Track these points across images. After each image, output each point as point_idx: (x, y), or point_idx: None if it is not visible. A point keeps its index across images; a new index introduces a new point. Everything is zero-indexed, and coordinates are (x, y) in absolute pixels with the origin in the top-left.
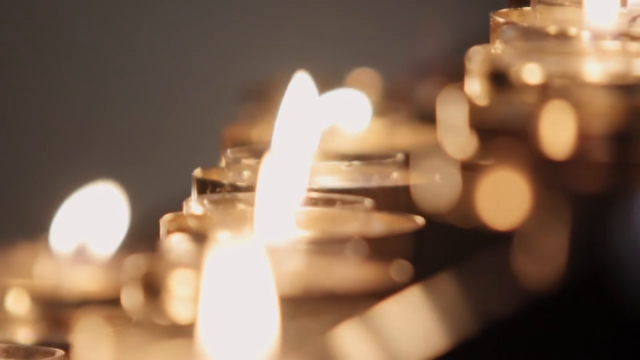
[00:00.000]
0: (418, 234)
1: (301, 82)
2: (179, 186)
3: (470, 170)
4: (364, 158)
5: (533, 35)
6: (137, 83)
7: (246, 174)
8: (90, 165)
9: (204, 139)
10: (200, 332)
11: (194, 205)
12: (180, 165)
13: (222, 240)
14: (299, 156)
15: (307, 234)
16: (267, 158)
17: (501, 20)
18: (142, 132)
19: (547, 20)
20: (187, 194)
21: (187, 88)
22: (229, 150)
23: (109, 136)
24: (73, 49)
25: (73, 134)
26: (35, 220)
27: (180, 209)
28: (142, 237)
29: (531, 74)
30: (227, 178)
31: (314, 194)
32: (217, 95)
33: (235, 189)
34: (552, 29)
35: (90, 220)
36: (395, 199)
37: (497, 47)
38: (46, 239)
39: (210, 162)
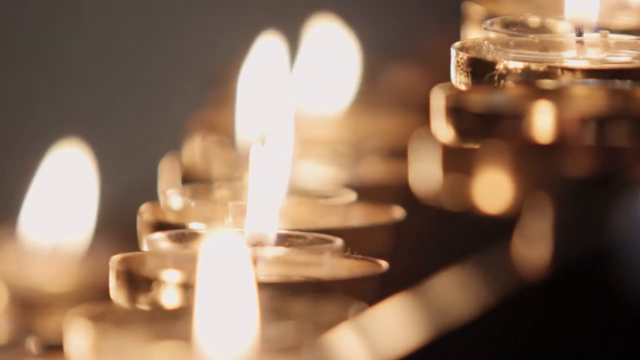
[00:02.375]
0: (399, 225)
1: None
2: (146, 172)
3: (457, 155)
4: (343, 147)
5: (511, 24)
6: (104, 68)
7: (216, 163)
8: (53, 146)
9: (171, 124)
10: (189, 326)
11: (173, 198)
12: (148, 150)
13: (203, 233)
14: (278, 146)
15: (288, 226)
16: (248, 149)
17: (477, 9)
18: (109, 117)
19: (524, 9)
20: (155, 180)
21: (155, 73)
22: (199, 139)
23: (76, 121)
24: (32, 32)
25: (41, 115)
26: None
27: (149, 195)
28: (112, 224)
29: (512, 63)
30: (199, 168)
31: (295, 187)
32: (185, 80)
33: (208, 179)
34: (530, 19)
35: (58, 208)
36: (375, 190)
37: (479, 38)
38: (8, 227)
39: (178, 148)
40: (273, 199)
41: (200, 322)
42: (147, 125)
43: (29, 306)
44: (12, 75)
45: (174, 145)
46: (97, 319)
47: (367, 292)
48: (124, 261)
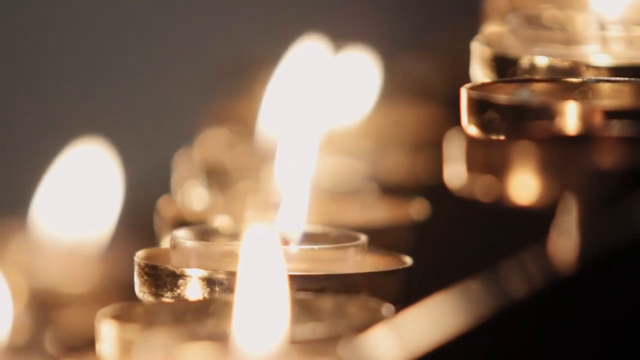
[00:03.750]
0: (425, 221)
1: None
2: (161, 166)
3: (488, 150)
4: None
5: (534, 18)
6: (119, 63)
7: (235, 156)
8: (70, 141)
9: (186, 117)
10: (218, 323)
11: (190, 192)
12: (164, 144)
13: (227, 229)
14: (303, 142)
15: (315, 223)
16: (268, 143)
17: (498, 2)
18: (124, 109)
19: (547, 2)
20: (168, 174)
21: (169, 66)
22: (217, 132)
23: (90, 113)
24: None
25: (55, 106)
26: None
27: (163, 189)
28: (128, 220)
29: (536, 57)
30: (216, 161)
31: (319, 182)
32: (199, 72)
33: (226, 172)
34: (553, 12)
35: (78, 204)
36: (400, 185)
37: (501, 31)
38: (23, 220)
39: (192, 141)
40: (297, 195)
41: (233, 319)
42: (161, 118)
43: (48, 304)
44: (30, 73)
45: (189, 138)
46: (126, 318)
47: (393, 288)
48: (148, 257)
